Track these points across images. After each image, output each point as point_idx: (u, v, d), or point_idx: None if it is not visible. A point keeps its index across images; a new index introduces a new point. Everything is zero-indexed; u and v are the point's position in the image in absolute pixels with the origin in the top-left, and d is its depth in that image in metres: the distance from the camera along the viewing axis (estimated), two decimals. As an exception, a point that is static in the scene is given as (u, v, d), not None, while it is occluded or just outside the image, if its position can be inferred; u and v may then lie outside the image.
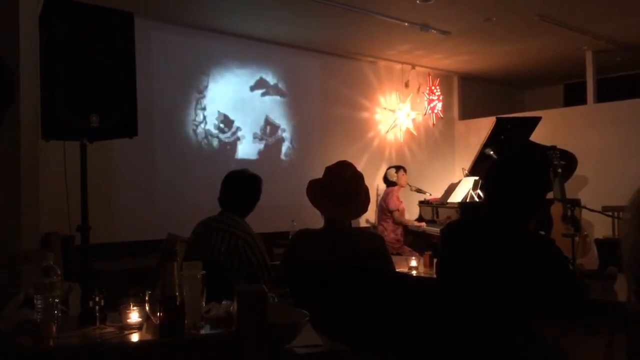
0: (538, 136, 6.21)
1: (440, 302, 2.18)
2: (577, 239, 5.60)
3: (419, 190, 6.50)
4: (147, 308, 1.73)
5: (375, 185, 7.16)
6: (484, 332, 1.96)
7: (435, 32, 6.40)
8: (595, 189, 6.90)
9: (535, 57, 7.79)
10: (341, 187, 2.53)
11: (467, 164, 6.44)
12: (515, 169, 2.15)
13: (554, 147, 5.66)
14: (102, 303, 1.85)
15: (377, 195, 6.85)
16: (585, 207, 5.85)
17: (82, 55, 2.98)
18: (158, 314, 1.65)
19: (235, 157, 6.72)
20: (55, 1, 3.04)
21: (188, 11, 5.83)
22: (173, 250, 1.56)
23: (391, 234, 5.95)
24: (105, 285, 2.45)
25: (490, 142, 5.92)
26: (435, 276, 2.51)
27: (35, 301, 1.69)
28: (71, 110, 2.97)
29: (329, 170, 2.63)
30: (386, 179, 6.28)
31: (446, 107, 8.68)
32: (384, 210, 6.10)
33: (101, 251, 4.45)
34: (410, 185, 6.45)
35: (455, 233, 2.30)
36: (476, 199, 5.78)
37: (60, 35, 3.00)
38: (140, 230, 5.69)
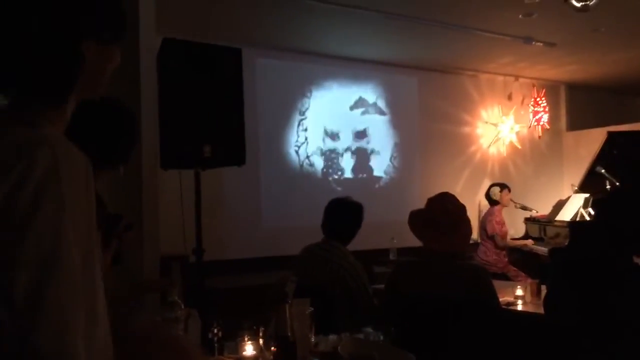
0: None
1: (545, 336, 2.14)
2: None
3: (524, 208, 6.28)
4: (261, 342, 1.85)
5: (477, 201, 7.02)
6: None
7: (539, 44, 6.21)
8: None
9: (649, 64, 7.33)
10: (443, 218, 2.54)
11: (577, 178, 6.15)
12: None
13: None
14: (220, 334, 1.99)
15: (480, 211, 6.71)
16: None
17: (195, 90, 3.23)
18: (272, 349, 1.76)
19: (337, 175, 6.85)
20: (171, 41, 3.32)
21: (290, 37, 6.06)
22: (284, 292, 1.66)
23: (493, 255, 5.74)
24: (218, 305, 2.62)
25: (601, 158, 5.63)
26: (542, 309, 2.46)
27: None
28: (186, 142, 3.22)
29: (431, 201, 2.65)
30: (489, 197, 6.08)
31: (553, 119, 8.33)
32: (485, 232, 5.91)
33: (213, 268, 4.70)
34: (514, 202, 6.24)
35: (567, 266, 2.25)
36: (587, 217, 5.51)
37: (175, 72, 3.26)
38: (248, 248, 5.96)
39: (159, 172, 3.73)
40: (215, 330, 1.99)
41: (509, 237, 5.96)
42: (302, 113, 6.65)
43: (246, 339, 1.92)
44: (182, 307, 1.89)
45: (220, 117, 3.30)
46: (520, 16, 5.32)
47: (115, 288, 2.60)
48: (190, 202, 3.44)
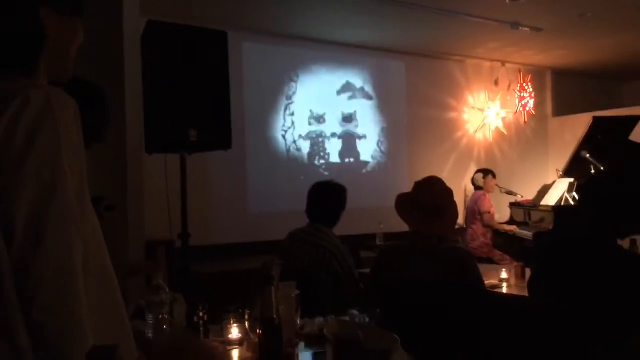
0: (638, 134, 5.87)
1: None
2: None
3: (509, 192, 6.33)
4: (246, 326, 1.85)
5: (463, 186, 7.05)
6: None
7: (526, 29, 6.21)
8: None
9: (634, 50, 7.36)
10: (431, 202, 2.54)
11: (562, 163, 6.18)
12: (624, 187, 2.10)
13: (655, 148, 5.34)
14: (206, 318, 1.99)
15: (466, 196, 6.75)
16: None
17: (180, 73, 3.19)
18: (258, 331, 1.76)
19: (324, 160, 6.85)
20: (156, 24, 3.27)
21: (277, 21, 6.01)
22: (271, 275, 1.66)
23: (481, 237, 5.85)
24: (204, 290, 2.62)
25: (586, 143, 5.66)
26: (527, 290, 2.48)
27: (147, 317, 1.85)
28: (172, 126, 3.19)
29: (418, 185, 2.65)
30: (474, 184, 6.15)
31: (539, 104, 8.38)
32: (474, 213, 5.98)
33: (199, 253, 4.69)
34: (500, 187, 6.29)
35: (551, 250, 2.27)
36: (571, 202, 5.56)
37: (160, 55, 3.21)
38: (234, 233, 5.95)
39: (144, 157, 3.71)
40: (201, 314, 1.98)
41: (495, 220, 6.03)
42: (289, 97, 6.62)
43: (232, 321, 1.92)
44: (167, 290, 1.88)
45: (206, 101, 3.26)
46: (507, 1, 5.32)
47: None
48: (176, 187, 3.42)
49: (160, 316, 1.84)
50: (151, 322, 1.83)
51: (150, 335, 1.80)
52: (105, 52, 3.54)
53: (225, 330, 1.93)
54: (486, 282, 2.81)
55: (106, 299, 1.08)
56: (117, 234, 3.69)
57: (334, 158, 6.93)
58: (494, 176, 6.12)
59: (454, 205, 2.64)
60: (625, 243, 2.78)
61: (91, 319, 0.96)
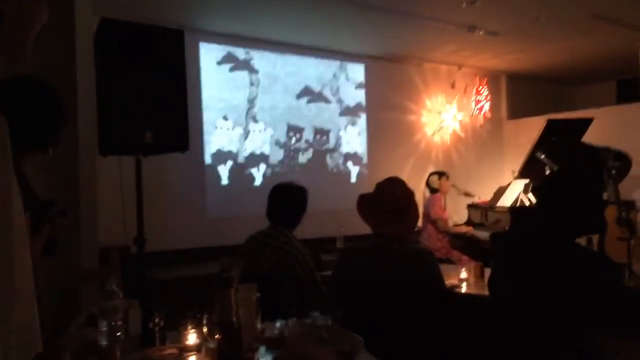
0: (591, 135, 6.03)
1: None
2: (632, 242, 5.44)
3: (466, 194, 6.40)
4: (204, 331, 1.78)
5: (422, 189, 7.10)
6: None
7: (482, 33, 6.31)
8: (651, 189, 6.66)
9: (586, 54, 7.59)
10: (392, 203, 2.53)
11: (517, 165, 6.30)
12: (577, 186, 2.13)
13: (607, 148, 5.49)
14: (162, 324, 1.91)
15: (424, 198, 6.79)
16: (641, 210, 5.70)
17: (135, 73, 3.08)
18: (216, 337, 1.70)
19: (283, 163, 6.79)
20: (109, 21, 3.16)
21: (234, 23, 5.93)
22: (230, 277, 1.60)
23: (437, 241, 5.85)
24: (160, 297, 2.54)
25: (540, 144, 5.79)
26: (486, 289, 2.49)
27: (99, 324, 1.77)
28: (126, 127, 3.08)
29: (380, 185, 2.64)
30: (429, 186, 6.17)
31: (494, 107, 8.54)
32: (428, 218, 6.00)
33: (156, 259, 4.57)
34: (457, 189, 6.35)
35: (509, 249, 2.29)
36: (526, 203, 5.66)
37: (114, 54, 3.10)
38: (193, 238, 5.84)
39: (98, 159, 3.58)
40: (157, 320, 1.90)
41: (451, 223, 6.08)
42: (247, 100, 6.54)
43: (189, 327, 1.85)
44: (121, 295, 1.80)
45: (162, 102, 3.16)
46: (464, 4, 5.39)
47: (53, 280, 2.49)
48: (131, 190, 3.31)
49: (114, 323, 1.76)
50: (104, 329, 1.75)
51: (103, 343, 1.72)
52: (57, 51, 3.42)
53: (182, 336, 1.85)
54: (446, 282, 2.82)
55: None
56: (69, 240, 3.56)
57: (294, 161, 6.88)
58: (448, 177, 6.16)
59: (414, 206, 2.64)
60: (581, 242, 2.83)
61: None
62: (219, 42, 6.31)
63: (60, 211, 2.02)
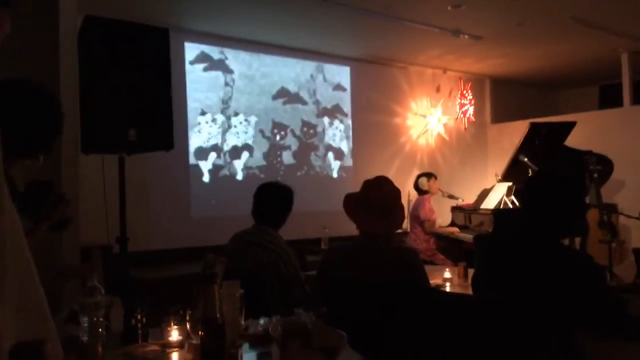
0: (573, 139, 6.10)
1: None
2: (614, 245, 5.51)
3: (451, 196, 6.44)
4: (187, 327, 1.77)
5: (407, 191, 7.13)
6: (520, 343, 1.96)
7: (466, 37, 6.36)
8: (632, 193, 6.76)
9: (569, 59, 7.68)
10: (379, 201, 2.53)
11: (501, 168, 6.36)
12: (559, 187, 2.15)
13: (589, 152, 5.56)
14: (144, 321, 1.90)
15: (409, 201, 6.82)
16: (622, 214, 5.77)
17: (119, 71, 3.07)
18: (199, 333, 1.69)
19: (268, 165, 6.78)
20: (94, 19, 3.15)
21: (216, 22, 5.91)
22: (213, 273, 1.59)
23: (423, 243, 5.89)
24: (144, 296, 2.51)
25: (524, 147, 5.84)
26: (470, 289, 2.51)
27: (81, 321, 1.74)
28: (110, 125, 3.07)
29: (367, 183, 2.64)
30: (417, 187, 6.20)
31: (478, 111, 8.61)
32: (417, 218, 6.04)
33: (139, 259, 4.53)
34: (442, 191, 6.39)
35: (492, 249, 2.30)
36: (510, 205, 5.71)
37: (98, 51, 3.09)
38: (176, 238, 5.80)
39: (80, 157, 3.55)
40: (139, 317, 1.89)
41: (437, 225, 6.11)
42: (225, 102, 6.49)
43: (172, 323, 1.83)
44: (103, 292, 1.78)
45: (147, 100, 3.16)
46: (449, 8, 5.43)
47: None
48: (114, 189, 3.29)
49: (95, 319, 1.74)
50: (85, 325, 1.72)
51: (84, 339, 1.70)
52: (40, 47, 3.37)
53: (164, 333, 1.84)
54: (430, 282, 2.83)
55: (27, 297, 0.98)
56: (50, 238, 3.51)
57: (278, 161, 6.87)
58: (436, 178, 6.21)
59: (401, 205, 2.64)
60: (564, 242, 2.85)
61: (11, 318, 0.88)
62: (202, 42, 6.28)
63: (56, 199, 2.03)
